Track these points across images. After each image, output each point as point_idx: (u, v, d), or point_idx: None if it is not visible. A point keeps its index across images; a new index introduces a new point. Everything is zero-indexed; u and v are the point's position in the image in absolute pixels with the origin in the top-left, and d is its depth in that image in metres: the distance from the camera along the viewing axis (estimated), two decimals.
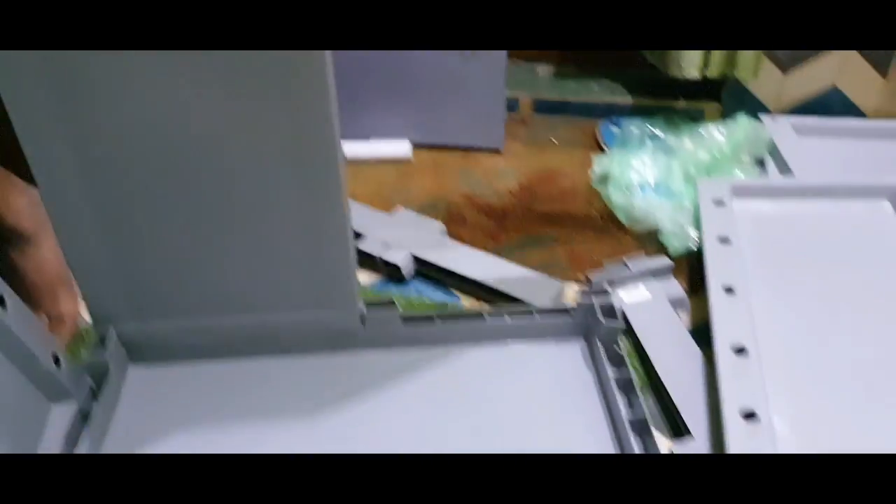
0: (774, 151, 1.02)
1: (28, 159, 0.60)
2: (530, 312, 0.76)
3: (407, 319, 0.74)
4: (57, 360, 0.66)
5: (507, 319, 0.75)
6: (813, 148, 1.02)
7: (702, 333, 0.76)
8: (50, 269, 0.75)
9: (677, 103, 1.17)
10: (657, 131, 1.07)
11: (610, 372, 0.68)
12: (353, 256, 0.68)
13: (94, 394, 0.68)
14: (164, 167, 0.61)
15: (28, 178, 0.65)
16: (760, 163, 1.03)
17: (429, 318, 0.75)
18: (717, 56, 1.04)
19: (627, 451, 0.63)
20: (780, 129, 1.04)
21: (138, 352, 0.73)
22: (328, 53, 0.55)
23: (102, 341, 0.70)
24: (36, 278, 0.74)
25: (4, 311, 0.61)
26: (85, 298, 0.70)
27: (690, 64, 1.04)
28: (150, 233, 0.65)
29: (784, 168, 0.99)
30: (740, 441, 0.60)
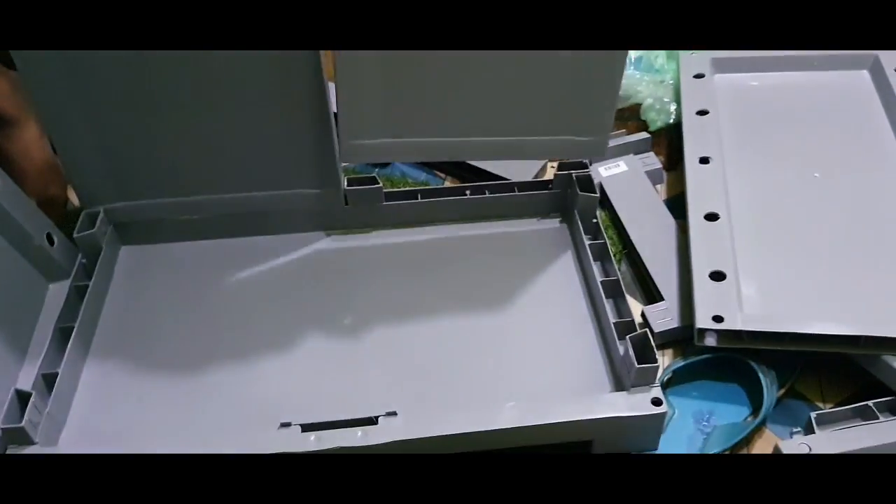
0: None
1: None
2: (511, 189, 0.77)
3: (389, 196, 0.76)
4: (51, 239, 0.68)
5: (488, 195, 0.77)
6: None
7: (677, 204, 0.78)
8: (36, 153, 0.76)
9: None
10: None
11: (586, 241, 0.71)
12: (335, 135, 0.69)
13: (88, 271, 0.71)
14: (148, 53, 0.61)
15: (8, 61, 0.65)
16: None
17: (411, 195, 0.77)
18: None
19: (601, 313, 0.66)
20: None
21: (129, 233, 0.75)
22: None
23: (92, 221, 0.72)
24: (23, 162, 0.75)
25: None
26: (72, 180, 0.71)
27: None
28: (135, 112, 0.66)
29: None
30: (707, 301, 0.63)
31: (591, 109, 0.68)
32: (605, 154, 0.72)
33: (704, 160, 0.76)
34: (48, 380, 0.60)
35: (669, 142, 0.90)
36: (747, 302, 0.64)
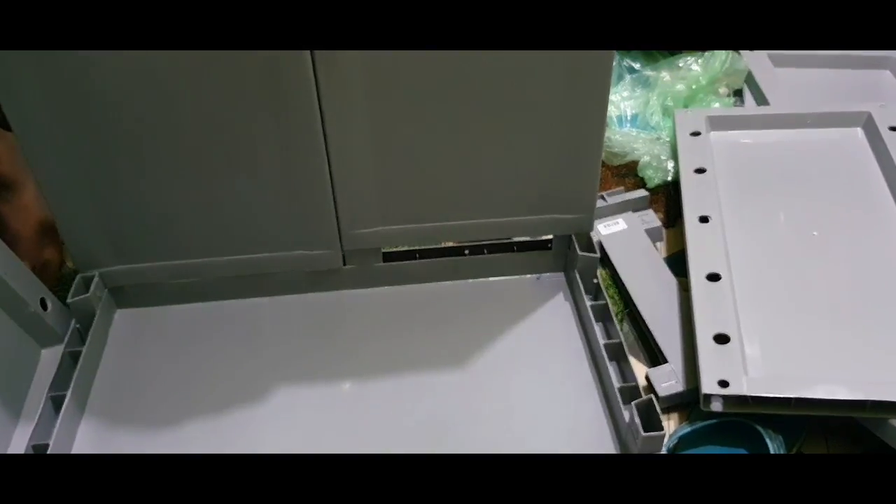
0: (752, 82, 1.02)
1: (3, 104, 0.60)
2: (510, 248, 0.77)
3: (388, 256, 0.75)
4: (44, 305, 0.67)
5: (487, 254, 0.76)
6: (789, 78, 1.03)
7: (678, 262, 0.78)
8: (31, 216, 0.76)
9: None
10: (635, 64, 1.06)
11: (587, 301, 0.70)
12: (332, 196, 0.69)
13: (82, 336, 0.69)
14: (145, 113, 0.61)
15: (5, 123, 0.65)
16: (738, 93, 1.04)
17: (410, 255, 0.76)
18: None
19: (605, 377, 0.65)
20: (757, 59, 1.04)
21: (124, 296, 0.74)
22: None
23: (87, 285, 0.71)
24: (19, 226, 0.74)
25: None
26: (68, 242, 0.71)
27: None
28: (131, 176, 0.65)
29: (761, 98, 0.99)
30: (712, 366, 0.63)
31: (575, 188, 0.70)
32: (592, 228, 0.74)
33: (704, 219, 0.76)
34: (39, 450, 0.58)
35: (668, 199, 0.90)
36: (752, 364, 0.63)
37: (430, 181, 0.69)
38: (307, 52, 0.59)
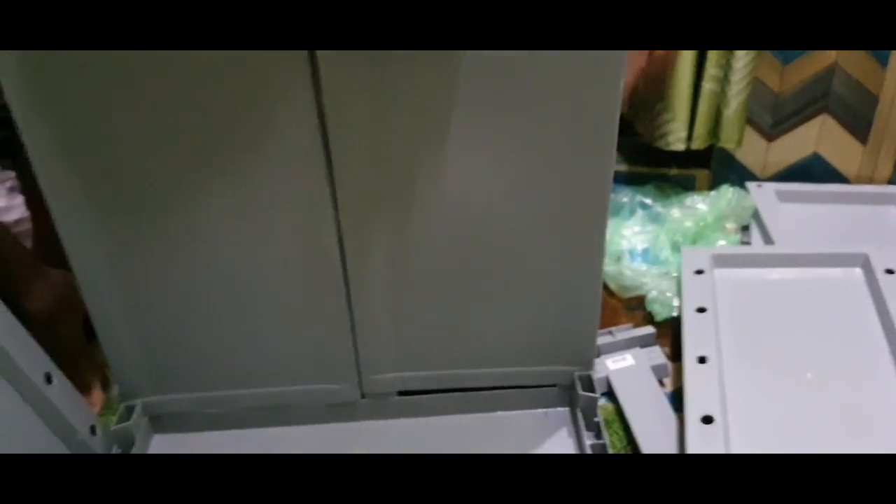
0: (758, 218, 1.08)
1: (66, 251, 0.69)
2: (519, 386, 0.82)
3: (403, 391, 0.81)
4: (93, 430, 0.74)
5: (497, 391, 0.81)
6: (795, 214, 1.08)
7: (681, 398, 0.81)
8: (70, 345, 0.84)
9: (670, 170, 1.23)
10: (647, 199, 1.13)
11: (587, 440, 0.74)
12: (353, 340, 0.76)
13: None
14: (180, 255, 0.70)
15: (52, 262, 0.74)
16: (746, 229, 1.09)
17: (424, 391, 0.82)
18: (701, 129, 1.11)
19: None
20: (764, 196, 1.10)
21: (160, 423, 0.81)
22: (319, 142, 0.64)
23: (129, 413, 0.78)
24: (61, 354, 0.82)
25: (49, 387, 0.69)
26: (116, 375, 0.78)
27: (676, 138, 1.10)
28: (174, 316, 0.74)
29: (766, 235, 1.04)
30: None
31: (575, 339, 0.78)
32: (592, 369, 0.80)
33: (702, 359, 0.80)
34: None
35: (674, 333, 0.95)
36: None
37: (442, 333, 0.76)
38: (331, 200, 0.67)
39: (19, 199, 0.87)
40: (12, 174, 0.80)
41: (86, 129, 0.62)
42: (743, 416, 0.74)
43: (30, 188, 0.82)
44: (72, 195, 0.65)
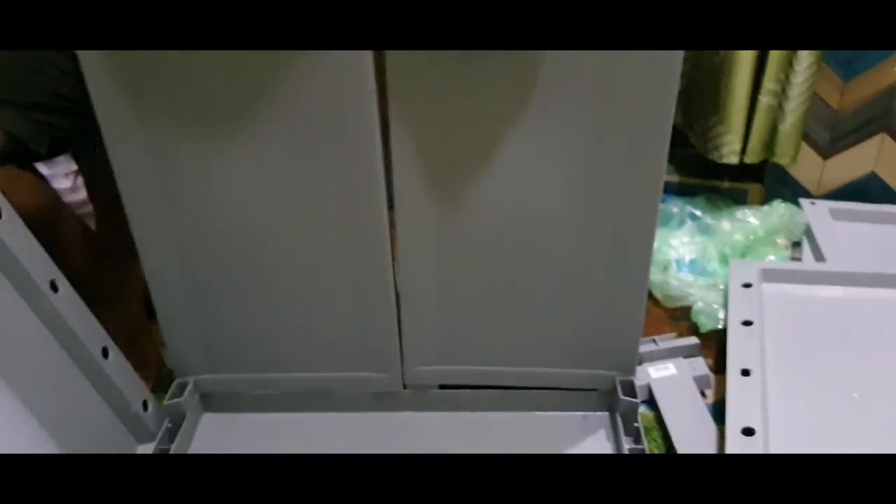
0: (810, 235, 1.06)
1: (133, 230, 0.72)
2: (559, 387, 0.82)
3: (445, 384, 0.83)
4: (145, 406, 0.78)
5: (537, 390, 0.82)
6: (848, 233, 1.06)
7: (721, 410, 0.81)
8: (131, 323, 0.87)
9: (722, 183, 1.22)
10: (697, 211, 1.13)
11: (626, 445, 0.75)
12: (399, 329, 0.78)
13: (171, 435, 0.79)
14: (239, 241, 0.73)
15: (113, 247, 0.78)
16: (797, 245, 1.08)
17: (466, 386, 0.83)
18: (756, 142, 1.10)
19: None
20: (818, 213, 1.09)
21: (210, 401, 0.84)
22: (378, 135, 0.65)
23: (181, 390, 0.81)
24: (119, 330, 0.86)
25: (107, 361, 0.72)
26: (170, 352, 0.81)
27: (730, 151, 1.10)
28: (227, 297, 0.76)
29: (818, 252, 1.03)
30: None
31: (618, 342, 0.78)
32: (634, 374, 0.80)
33: (745, 372, 0.80)
34: None
35: (718, 345, 0.94)
36: None
37: (487, 330, 0.77)
38: (386, 192, 0.69)
39: (82, 186, 0.90)
40: (74, 165, 0.84)
41: (156, 103, 0.65)
42: (784, 430, 0.74)
43: (92, 177, 0.86)
44: (141, 176, 0.68)
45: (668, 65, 0.62)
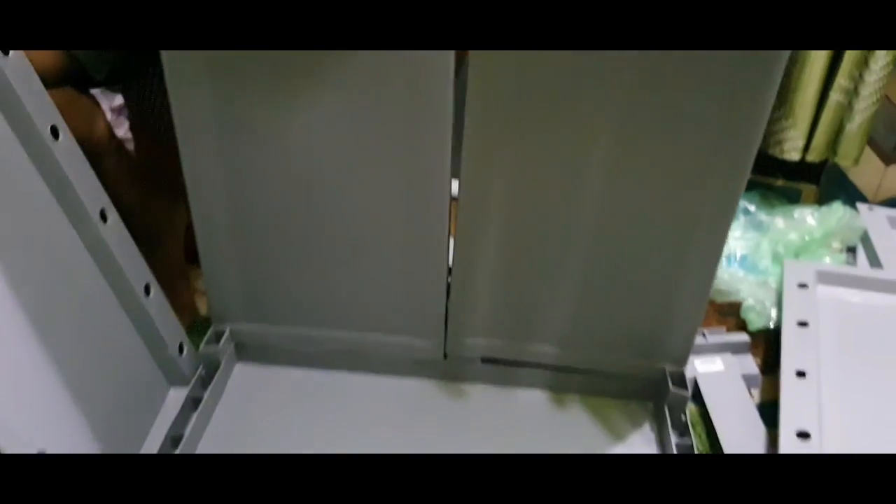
0: (867, 241, 1.03)
1: (184, 167, 0.69)
2: (605, 372, 0.80)
3: (487, 358, 0.80)
4: (181, 349, 0.75)
5: (581, 373, 0.80)
6: None
7: (769, 411, 0.79)
8: (172, 265, 0.85)
9: (776, 181, 1.19)
10: (751, 206, 1.09)
11: (672, 438, 0.72)
12: (445, 296, 0.75)
13: (204, 382, 0.77)
14: (295, 192, 0.70)
15: (161, 183, 0.75)
16: (852, 250, 1.04)
17: (507, 361, 0.80)
18: (820, 140, 1.06)
19: None
20: (876, 220, 1.05)
21: (246, 351, 0.82)
22: (450, 100, 0.62)
23: (218, 337, 0.79)
24: (159, 272, 0.83)
25: (148, 299, 0.70)
26: (210, 296, 0.79)
27: (792, 146, 1.06)
28: (275, 247, 0.74)
29: (874, 259, 1.00)
30: None
31: (671, 342, 0.75)
32: (685, 365, 0.77)
33: (801, 374, 0.77)
34: None
35: (767, 345, 0.91)
36: None
37: (538, 307, 0.74)
38: (448, 168, 0.66)
39: (123, 123, 0.88)
40: (120, 98, 0.81)
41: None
42: (840, 435, 0.71)
43: (139, 112, 0.83)
44: (201, 114, 0.65)
45: (771, 65, 0.58)
